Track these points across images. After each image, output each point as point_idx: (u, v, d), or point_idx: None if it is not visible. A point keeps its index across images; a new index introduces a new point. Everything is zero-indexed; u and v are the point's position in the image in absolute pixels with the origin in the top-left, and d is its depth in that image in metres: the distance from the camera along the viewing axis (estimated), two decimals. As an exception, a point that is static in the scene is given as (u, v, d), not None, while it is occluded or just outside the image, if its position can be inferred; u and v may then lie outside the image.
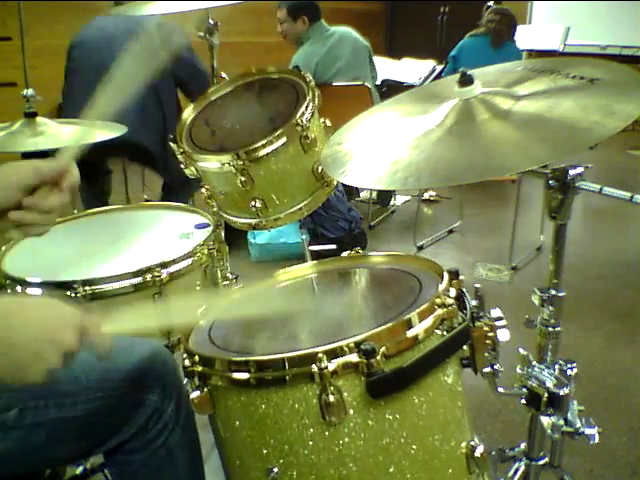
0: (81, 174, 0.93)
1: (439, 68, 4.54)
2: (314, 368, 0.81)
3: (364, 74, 3.64)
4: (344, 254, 1.22)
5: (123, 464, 1.02)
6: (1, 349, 0.73)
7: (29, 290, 1.24)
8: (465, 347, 0.93)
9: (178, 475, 1.04)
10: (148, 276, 1.26)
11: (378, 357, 0.81)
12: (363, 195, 4.26)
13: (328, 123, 1.36)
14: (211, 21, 1.59)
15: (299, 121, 1.24)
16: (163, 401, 1.00)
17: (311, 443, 0.84)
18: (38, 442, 0.91)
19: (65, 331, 0.77)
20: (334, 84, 3.48)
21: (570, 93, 0.99)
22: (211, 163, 1.28)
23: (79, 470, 1.57)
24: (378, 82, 4.08)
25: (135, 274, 1.26)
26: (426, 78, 4.51)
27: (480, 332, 0.94)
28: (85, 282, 1.22)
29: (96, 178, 2.98)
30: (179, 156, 1.33)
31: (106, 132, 1.72)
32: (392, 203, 4.26)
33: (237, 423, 0.89)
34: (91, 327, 0.80)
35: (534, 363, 1.13)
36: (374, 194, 4.09)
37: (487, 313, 0.97)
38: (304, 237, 2.22)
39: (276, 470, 0.86)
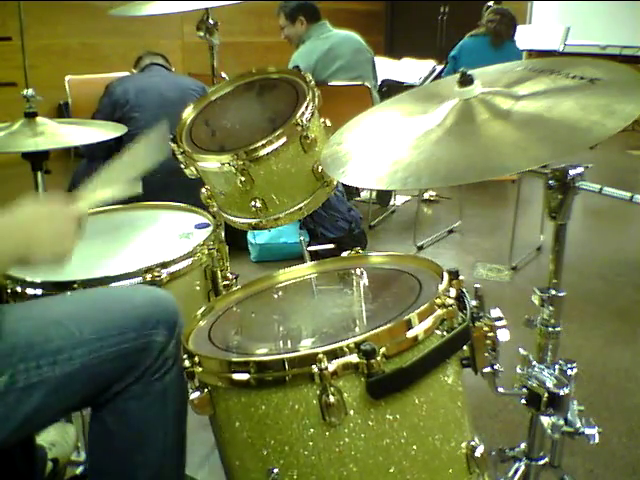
0: None
1: (439, 68, 4.55)
2: (314, 369, 0.81)
3: (366, 74, 3.64)
4: (344, 254, 1.22)
5: (118, 403, 1.02)
6: (23, 251, 0.90)
7: (29, 290, 1.24)
8: (465, 347, 0.93)
9: (167, 415, 1.05)
10: (148, 276, 1.26)
11: (378, 358, 0.81)
12: (364, 195, 4.26)
13: (328, 123, 1.36)
14: (211, 21, 1.59)
15: (299, 121, 1.24)
16: (167, 340, 1.02)
17: (311, 444, 0.84)
18: (35, 403, 0.91)
19: (67, 225, 0.95)
20: (334, 84, 3.47)
21: (570, 93, 0.99)
22: (211, 163, 1.28)
23: (79, 470, 1.57)
24: (378, 82, 4.09)
25: (135, 274, 1.26)
26: (426, 78, 4.51)
27: (480, 332, 0.94)
28: (85, 282, 1.22)
29: None
30: (179, 156, 1.33)
31: (108, 132, 1.72)
32: (392, 203, 4.25)
33: (237, 424, 0.89)
34: (80, 213, 0.98)
35: (534, 363, 1.13)
36: (374, 194, 4.09)
37: (487, 313, 0.97)
38: (302, 237, 2.23)
39: (276, 471, 0.86)
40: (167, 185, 2.50)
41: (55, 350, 0.93)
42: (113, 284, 1.24)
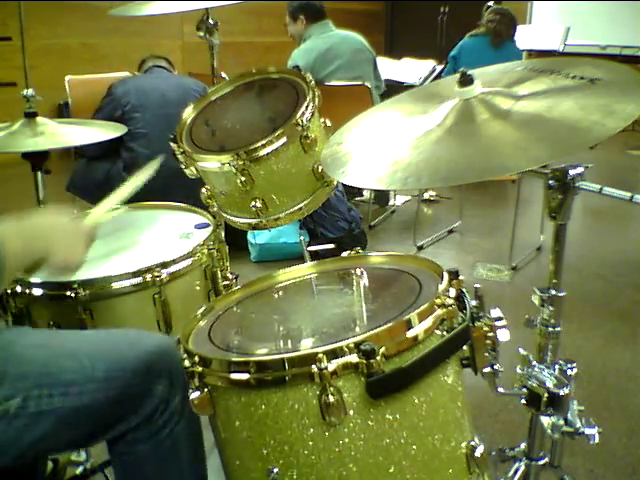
0: None
1: (439, 68, 4.55)
2: (314, 368, 0.81)
3: (366, 75, 3.64)
4: (344, 254, 1.22)
5: (128, 454, 1.03)
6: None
7: (29, 290, 1.24)
8: (465, 347, 0.93)
9: (182, 467, 1.05)
10: (148, 276, 1.26)
11: (378, 357, 0.81)
12: (365, 195, 4.26)
13: (328, 123, 1.36)
14: (211, 21, 1.59)
15: (299, 121, 1.24)
16: (170, 392, 1.01)
17: (311, 443, 0.84)
18: (41, 431, 0.92)
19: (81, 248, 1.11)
20: (334, 84, 3.48)
21: (570, 93, 0.99)
22: (211, 163, 1.28)
23: (79, 470, 1.57)
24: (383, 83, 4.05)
25: (135, 274, 1.26)
26: (426, 78, 4.51)
27: (480, 332, 0.94)
28: (85, 282, 1.22)
29: None
30: (179, 156, 1.33)
31: (108, 132, 1.73)
32: (392, 203, 4.26)
33: (237, 423, 0.89)
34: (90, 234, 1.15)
35: (534, 363, 1.13)
36: (372, 194, 4.09)
37: (487, 313, 0.97)
38: (302, 237, 2.23)
39: (276, 470, 0.86)
40: (168, 186, 2.50)
41: (68, 382, 0.94)
42: (113, 284, 1.24)
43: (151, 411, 0.99)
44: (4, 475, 0.97)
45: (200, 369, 0.89)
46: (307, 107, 1.27)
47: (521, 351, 1.13)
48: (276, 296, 1.16)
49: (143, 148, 2.77)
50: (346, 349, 0.82)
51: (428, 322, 0.87)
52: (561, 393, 1.07)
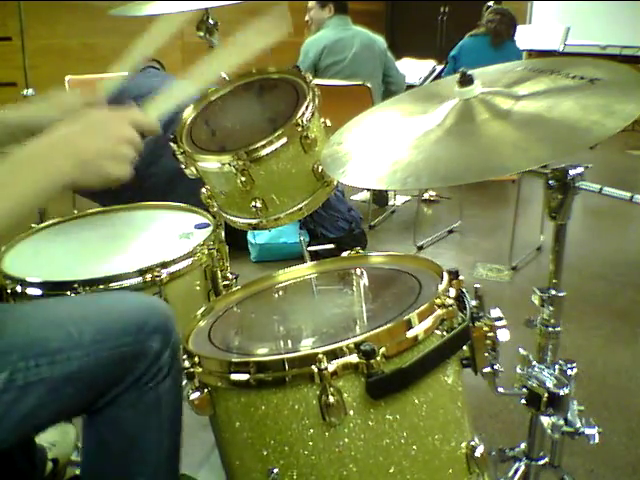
0: None
1: (439, 68, 4.54)
2: (314, 369, 0.81)
3: (373, 70, 3.74)
4: (344, 254, 1.22)
5: (110, 408, 1.01)
6: (74, 162, 0.86)
7: (29, 290, 1.24)
8: (465, 347, 0.93)
9: (162, 422, 1.04)
10: (148, 276, 1.26)
11: (378, 358, 0.81)
12: (363, 196, 4.26)
13: (328, 123, 1.36)
14: (211, 21, 1.60)
15: (299, 121, 1.24)
16: (162, 347, 1.01)
17: (311, 444, 0.84)
18: (31, 403, 0.90)
19: (120, 128, 0.92)
20: (334, 84, 3.48)
21: (570, 93, 0.99)
22: (211, 163, 1.28)
23: (79, 470, 1.57)
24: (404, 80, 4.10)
25: (135, 274, 1.26)
26: (426, 78, 4.51)
27: (480, 332, 0.94)
28: (85, 282, 1.22)
29: None
30: (179, 156, 1.33)
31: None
32: (392, 203, 4.25)
33: (237, 424, 0.89)
34: (138, 117, 0.96)
35: (534, 363, 1.13)
36: (371, 195, 4.09)
37: (487, 313, 0.97)
38: (302, 237, 2.23)
39: (276, 471, 0.86)
40: (168, 186, 2.50)
41: (54, 350, 0.93)
42: (113, 284, 1.24)
43: (145, 368, 0.99)
44: (4, 475, 0.97)
45: (200, 370, 0.89)
46: (307, 107, 1.27)
47: (521, 351, 1.13)
48: (276, 296, 1.17)
49: (147, 147, 2.77)
50: (346, 349, 0.82)
51: (428, 322, 0.87)
52: (561, 393, 1.07)
